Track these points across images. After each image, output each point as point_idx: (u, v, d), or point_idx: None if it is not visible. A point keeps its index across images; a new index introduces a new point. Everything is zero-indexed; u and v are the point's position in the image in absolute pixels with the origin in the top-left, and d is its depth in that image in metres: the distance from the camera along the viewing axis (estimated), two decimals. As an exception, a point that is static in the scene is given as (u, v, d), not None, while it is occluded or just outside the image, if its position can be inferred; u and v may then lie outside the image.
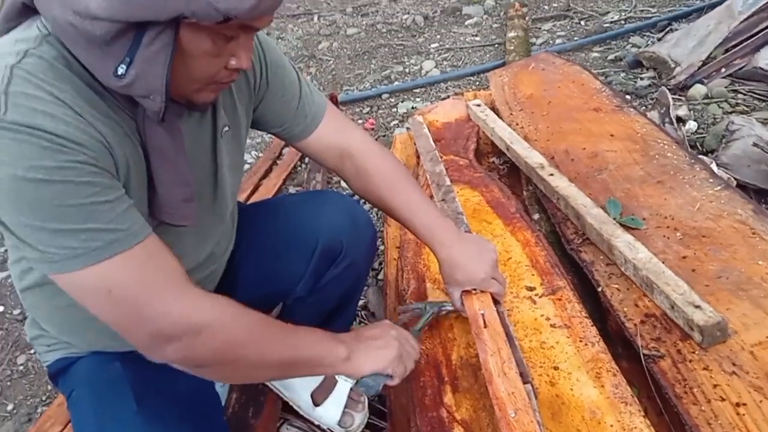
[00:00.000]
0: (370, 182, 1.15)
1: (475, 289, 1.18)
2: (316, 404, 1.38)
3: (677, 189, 1.62)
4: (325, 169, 1.23)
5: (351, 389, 1.40)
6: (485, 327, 1.09)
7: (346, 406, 1.39)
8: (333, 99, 3.21)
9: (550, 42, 3.75)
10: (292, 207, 1.27)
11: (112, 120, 0.78)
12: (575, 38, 3.71)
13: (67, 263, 0.72)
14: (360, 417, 1.39)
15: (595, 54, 3.47)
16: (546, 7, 4.34)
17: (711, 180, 1.63)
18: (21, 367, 1.88)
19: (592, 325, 1.20)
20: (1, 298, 2.20)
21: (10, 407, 1.74)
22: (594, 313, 1.34)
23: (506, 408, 0.93)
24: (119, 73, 0.72)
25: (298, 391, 1.41)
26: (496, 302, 1.18)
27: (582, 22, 3.99)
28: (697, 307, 1.18)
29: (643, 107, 2.61)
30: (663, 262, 1.32)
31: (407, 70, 3.80)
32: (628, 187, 1.67)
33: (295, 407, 1.42)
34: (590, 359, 1.12)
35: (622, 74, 3.13)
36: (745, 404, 1.03)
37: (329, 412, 1.38)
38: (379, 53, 4.18)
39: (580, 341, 1.16)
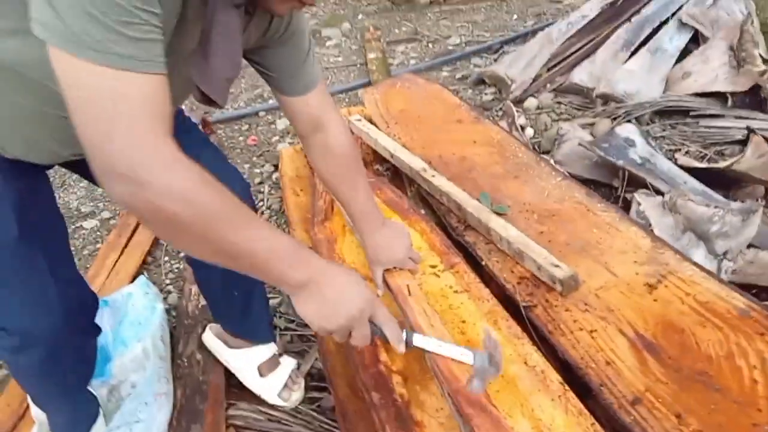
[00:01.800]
0: (330, 159, 1.30)
1: (395, 267, 1.46)
2: (261, 376, 1.58)
3: (530, 181, 2.05)
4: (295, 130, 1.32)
5: (292, 370, 1.62)
6: (410, 295, 1.37)
7: (285, 384, 1.59)
8: (204, 122, 3.17)
9: (405, 63, 4.18)
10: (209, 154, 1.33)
11: None
12: (426, 59, 4.18)
13: (84, 50, 0.71)
14: (297, 394, 1.61)
15: (445, 73, 3.96)
16: (397, 31, 4.80)
17: (554, 173, 2.08)
18: None
19: (485, 288, 1.53)
20: None
21: None
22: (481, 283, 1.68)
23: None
24: None
25: (246, 363, 1.60)
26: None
27: (430, 45, 4.49)
28: (557, 266, 1.56)
29: (492, 118, 3.08)
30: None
31: (277, 89, 3.98)
32: (493, 182, 2.06)
33: (240, 378, 1.61)
34: (488, 312, 1.44)
35: (470, 91, 3.63)
36: (596, 330, 1.42)
37: (271, 384, 1.58)
38: (247, 73, 4.31)
39: (479, 300, 1.49)
